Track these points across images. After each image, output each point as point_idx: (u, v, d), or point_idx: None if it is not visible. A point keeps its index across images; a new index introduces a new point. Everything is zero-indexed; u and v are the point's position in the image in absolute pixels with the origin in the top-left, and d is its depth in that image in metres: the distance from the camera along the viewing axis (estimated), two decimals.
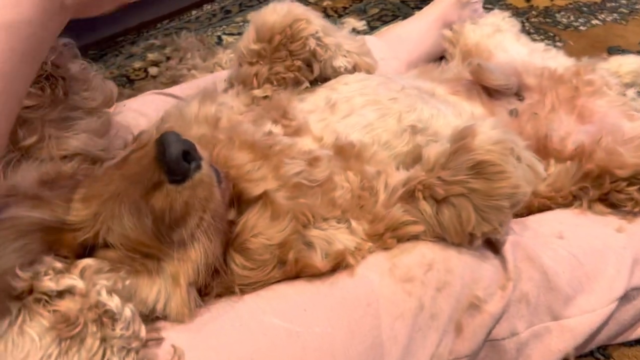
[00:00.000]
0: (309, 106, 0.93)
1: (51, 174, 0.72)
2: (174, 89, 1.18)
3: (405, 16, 1.77)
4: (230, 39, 1.76)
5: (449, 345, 0.78)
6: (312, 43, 0.96)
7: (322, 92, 0.96)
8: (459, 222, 0.79)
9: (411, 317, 0.76)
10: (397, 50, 1.42)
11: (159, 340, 0.67)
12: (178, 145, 0.66)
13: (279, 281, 0.78)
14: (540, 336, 0.84)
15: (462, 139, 0.80)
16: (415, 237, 0.82)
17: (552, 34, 1.71)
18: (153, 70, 1.64)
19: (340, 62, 1.00)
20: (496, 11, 1.36)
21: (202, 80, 1.21)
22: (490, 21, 1.33)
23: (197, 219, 0.69)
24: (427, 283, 0.78)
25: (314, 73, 1.00)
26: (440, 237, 0.82)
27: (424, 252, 0.80)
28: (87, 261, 0.64)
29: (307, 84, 0.99)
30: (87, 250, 0.67)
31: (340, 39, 1.02)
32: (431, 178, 0.80)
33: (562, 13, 1.81)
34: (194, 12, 1.90)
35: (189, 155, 0.68)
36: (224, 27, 1.82)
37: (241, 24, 1.83)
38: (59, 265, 0.62)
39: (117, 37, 1.80)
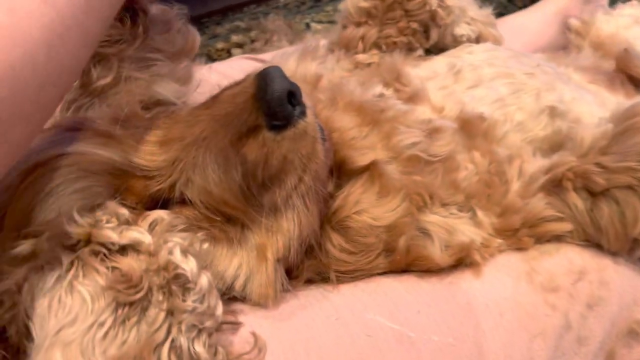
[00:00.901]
0: (426, 72, 0.78)
1: (126, 112, 0.59)
2: (265, 55, 1.06)
3: None
4: (318, 26, 1.64)
5: None
6: (433, 3, 0.81)
7: (442, 60, 0.81)
8: (621, 223, 0.62)
9: (554, 337, 0.58)
10: (511, 42, 1.24)
11: (236, 325, 0.53)
12: (283, 82, 0.53)
13: (382, 274, 0.62)
14: None
15: (631, 117, 0.62)
16: (558, 238, 0.65)
17: None
18: (236, 52, 1.54)
19: (462, 29, 0.85)
20: (634, 2, 1.18)
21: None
22: (628, 12, 1.14)
23: (295, 180, 0.55)
24: (575, 296, 0.60)
25: (430, 40, 0.85)
26: (591, 241, 0.64)
27: (572, 258, 0.63)
28: (159, 213, 0.51)
29: (421, 51, 0.85)
30: (159, 204, 0.54)
31: (466, 3, 0.86)
32: (587, 164, 0.63)
33: None
34: (282, 0, 1.80)
35: (294, 97, 0.54)
36: (313, 15, 1.71)
37: (331, 12, 1.72)
38: (125, 213, 0.49)
39: (201, 18, 1.72)
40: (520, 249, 0.64)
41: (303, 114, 0.55)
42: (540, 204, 0.65)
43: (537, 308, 0.59)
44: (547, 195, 0.65)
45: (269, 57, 1.03)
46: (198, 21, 1.72)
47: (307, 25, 1.65)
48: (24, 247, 0.47)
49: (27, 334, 0.46)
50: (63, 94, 0.48)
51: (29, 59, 0.41)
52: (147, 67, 0.69)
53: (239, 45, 1.57)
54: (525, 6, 1.67)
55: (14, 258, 0.48)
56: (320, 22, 1.67)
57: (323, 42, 0.95)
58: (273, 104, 0.52)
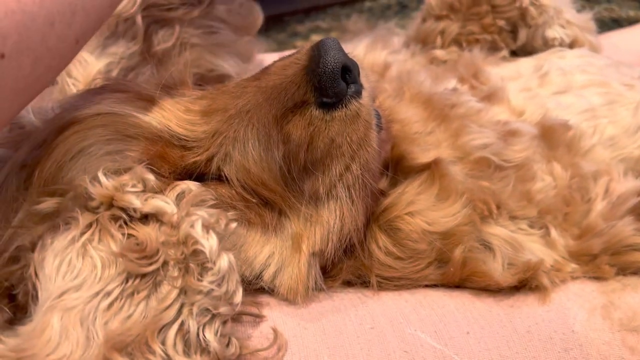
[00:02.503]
0: (509, 72, 0.71)
1: (175, 79, 0.56)
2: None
3: None
4: (402, 32, 1.59)
5: None
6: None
7: (528, 61, 0.73)
8: None
9: None
10: None
11: (258, 319, 0.47)
12: (339, 55, 0.48)
13: (432, 286, 0.55)
14: None
15: None
16: None
17: None
18: None
19: (555, 32, 0.76)
20: None
21: None
22: None
23: (341, 167, 0.50)
24: None
25: (518, 41, 0.77)
26: None
27: None
28: (189, 184, 0.47)
29: (505, 52, 0.77)
30: (193, 177, 0.50)
31: (562, 4, 0.78)
32: None
33: None
34: (367, 4, 1.76)
35: (350, 74, 0.49)
36: (397, 20, 1.65)
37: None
38: (151, 179, 0.46)
39: (284, 16, 1.71)
40: (598, 278, 0.56)
41: (358, 94, 0.50)
42: (627, 229, 0.55)
43: (612, 348, 0.49)
44: (637, 219, 0.56)
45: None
46: (280, 19, 1.71)
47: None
48: (47, 204, 0.45)
49: (35, 295, 0.43)
50: (79, 37, 0.44)
51: None
52: (209, 34, 0.67)
53: None
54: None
55: (36, 214, 0.45)
56: (403, 27, 1.61)
57: (398, 38, 0.89)
58: (324, 77, 0.47)
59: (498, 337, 0.49)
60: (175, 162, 0.50)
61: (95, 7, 0.44)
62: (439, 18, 0.78)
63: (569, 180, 0.60)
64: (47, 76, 0.43)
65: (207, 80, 0.67)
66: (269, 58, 0.93)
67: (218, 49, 0.65)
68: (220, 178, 0.51)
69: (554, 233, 0.57)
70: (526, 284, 0.53)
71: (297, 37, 1.59)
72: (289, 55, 0.52)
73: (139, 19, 0.62)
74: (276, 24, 1.67)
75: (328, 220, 0.50)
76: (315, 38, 1.58)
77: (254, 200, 0.50)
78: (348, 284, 0.54)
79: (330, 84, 0.47)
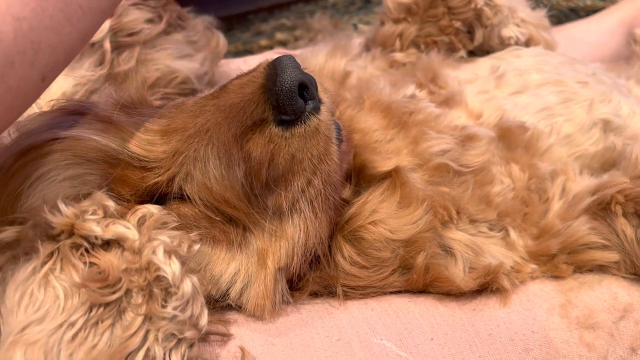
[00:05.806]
0: (466, 75, 0.72)
1: (133, 98, 0.56)
2: (305, 50, 1.01)
3: None
4: (365, 27, 1.59)
5: None
6: (479, 1, 0.75)
7: (485, 62, 0.74)
8: None
9: None
10: (569, 52, 1.16)
11: (225, 337, 0.48)
12: (295, 73, 0.48)
13: (397, 292, 0.56)
14: None
15: None
16: (601, 269, 0.58)
17: None
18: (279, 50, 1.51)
19: (511, 31, 0.78)
20: None
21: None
22: None
23: (303, 182, 0.50)
24: (617, 337, 0.52)
25: (475, 41, 0.78)
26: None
27: (616, 292, 0.55)
28: (149, 208, 0.47)
29: (463, 53, 0.78)
30: (155, 198, 0.50)
31: (516, 3, 0.79)
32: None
33: None
34: (331, 0, 1.76)
35: (307, 91, 0.49)
36: (361, 15, 1.66)
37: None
38: (111, 205, 0.45)
39: (248, 14, 1.70)
40: (556, 277, 0.57)
41: (316, 109, 0.50)
42: (582, 228, 0.57)
43: (570, 346, 0.51)
44: (592, 218, 0.58)
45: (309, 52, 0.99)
46: (244, 17, 1.70)
47: (355, 26, 1.60)
48: (6, 233, 0.44)
49: None
50: (46, 74, 0.44)
51: None
52: (166, 48, 0.66)
53: (283, 43, 1.53)
54: (588, 15, 1.57)
55: None
56: (367, 23, 1.61)
57: (359, 40, 0.90)
58: (282, 96, 0.47)
59: (461, 341, 0.50)
60: (136, 184, 0.50)
61: (63, 42, 0.43)
62: (397, 21, 0.79)
63: (527, 181, 0.61)
64: (8, 116, 0.42)
65: (170, 84, 0.67)
66: (234, 64, 0.93)
67: (175, 58, 0.65)
68: (182, 198, 0.51)
69: (513, 234, 0.58)
70: (487, 287, 0.55)
71: (262, 36, 1.59)
72: (247, 73, 0.52)
73: (107, 44, 0.62)
74: (240, 23, 1.66)
75: (292, 235, 0.51)
76: (280, 36, 1.58)
77: (217, 218, 0.51)
78: (315, 295, 0.55)
79: (288, 102, 0.48)
